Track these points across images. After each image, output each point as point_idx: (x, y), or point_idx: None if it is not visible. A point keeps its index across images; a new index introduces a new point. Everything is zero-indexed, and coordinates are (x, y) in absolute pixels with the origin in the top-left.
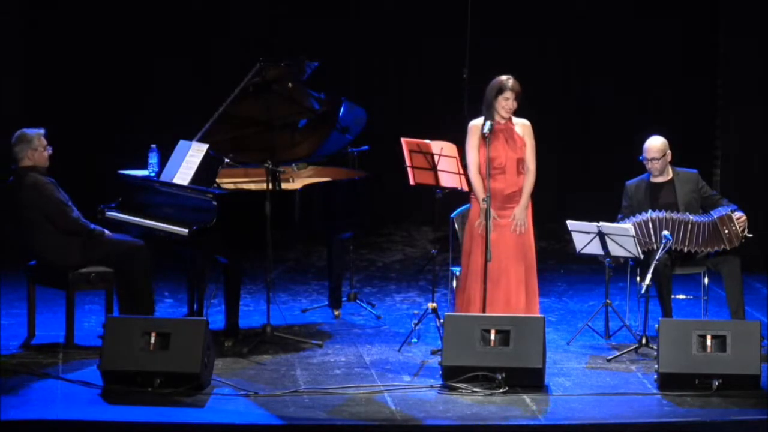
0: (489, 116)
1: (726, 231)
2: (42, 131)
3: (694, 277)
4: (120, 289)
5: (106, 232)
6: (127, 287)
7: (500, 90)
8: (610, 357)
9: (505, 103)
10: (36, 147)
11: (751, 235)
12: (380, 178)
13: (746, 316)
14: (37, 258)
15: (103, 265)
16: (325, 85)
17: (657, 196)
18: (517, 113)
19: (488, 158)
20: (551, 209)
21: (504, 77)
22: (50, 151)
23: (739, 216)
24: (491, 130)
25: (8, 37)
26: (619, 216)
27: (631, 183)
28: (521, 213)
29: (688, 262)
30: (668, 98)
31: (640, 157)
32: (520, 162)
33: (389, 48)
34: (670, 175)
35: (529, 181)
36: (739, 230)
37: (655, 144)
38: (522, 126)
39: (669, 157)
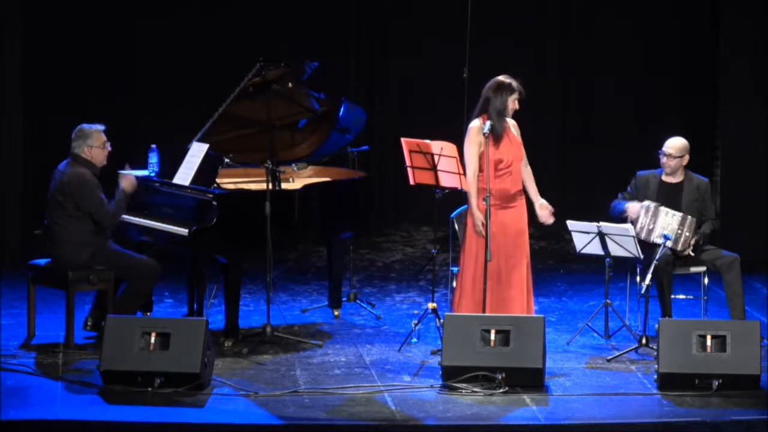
0: (499, 118)
1: (679, 231)
2: (101, 127)
3: (694, 277)
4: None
5: (119, 249)
6: (124, 292)
7: (511, 90)
8: (610, 357)
9: (516, 102)
10: (92, 144)
11: (693, 255)
12: (380, 178)
13: (746, 316)
14: (49, 249)
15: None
16: (324, 85)
17: (665, 195)
18: (519, 112)
19: (488, 158)
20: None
21: (509, 78)
22: (109, 149)
23: (697, 237)
24: (491, 130)
25: (9, 35)
26: (620, 195)
27: (642, 174)
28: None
29: (689, 262)
30: (668, 98)
31: (659, 151)
32: (520, 161)
33: (389, 48)
34: (682, 178)
35: (533, 177)
36: (690, 242)
37: (677, 143)
38: (515, 126)
39: (686, 161)
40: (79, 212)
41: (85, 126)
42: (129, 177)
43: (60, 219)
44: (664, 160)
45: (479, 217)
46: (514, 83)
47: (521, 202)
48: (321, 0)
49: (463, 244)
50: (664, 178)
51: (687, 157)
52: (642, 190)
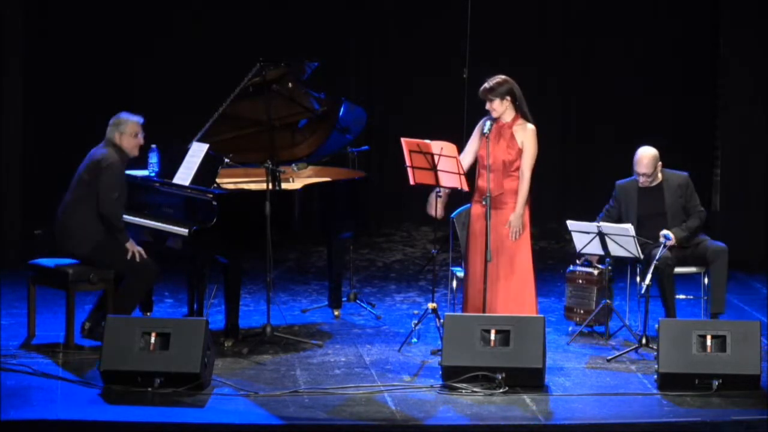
0: (490, 116)
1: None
2: (138, 119)
3: (694, 277)
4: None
5: (130, 243)
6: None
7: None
8: (610, 357)
9: (486, 104)
10: (124, 131)
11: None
12: (380, 178)
13: (726, 309)
14: (57, 230)
15: (106, 268)
16: (324, 85)
17: (644, 201)
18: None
19: (488, 157)
20: (551, 209)
21: (486, 80)
22: (141, 141)
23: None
24: (491, 129)
25: (9, 36)
26: (605, 208)
27: (621, 183)
28: (516, 220)
29: (688, 261)
30: (668, 98)
31: (634, 171)
32: (507, 164)
33: (389, 48)
34: (659, 179)
35: (522, 188)
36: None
37: (647, 159)
38: (524, 131)
39: (660, 167)
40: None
41: (123, 115)
42: (133, 246)
43: (76, 201)
44: (642, 180)
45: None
46: (482, 85)
47: (509, 208)
48: (321, 0)
49: (462, 246)
50: (641, 184)
51: (660, 164)
52: (623, 200)
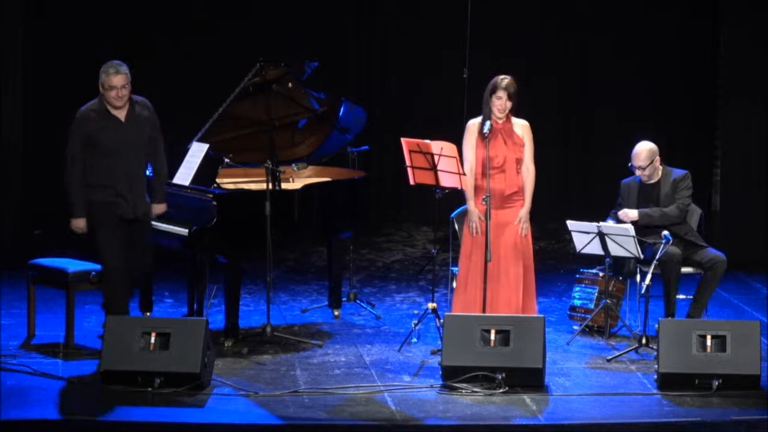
0: (486, 115)
1: None
2: (113, 69)
3: (694, 277)
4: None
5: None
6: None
7: (494, 89)
8: (610, 357)
9: (498, 102)
10: (102, 83)
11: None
12: (381, 179)
13: (705, 316)
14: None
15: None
16: (324, 85)
17: (643, 197)
18: (519, 112)
19: (488, 158)
20: (551, 209)
21: (500, 77)
22: (118, 94)
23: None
24: (491, 129)
25: (8, 37)
26: (612, 211)
27: (625, 182)
28: (527, 215)
29: (686, 263)
30: (668, 97)
31: (629, 165)
32: (519, 162)
33: (389, 48)
34: (659, 176)
35: (530, 183)
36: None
37: (643, 152)
38: (521, 126)
39: (658, 162)
40: (95, 154)
41: (105, 65)
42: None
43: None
44: (638, 173)
45: (475, 213)
46: (498, 81)
47: (521, 204)
48: (321, 0)
49: (462, 246)
50: (642, 181)
51: (658, 159)
52: (626, 198)
